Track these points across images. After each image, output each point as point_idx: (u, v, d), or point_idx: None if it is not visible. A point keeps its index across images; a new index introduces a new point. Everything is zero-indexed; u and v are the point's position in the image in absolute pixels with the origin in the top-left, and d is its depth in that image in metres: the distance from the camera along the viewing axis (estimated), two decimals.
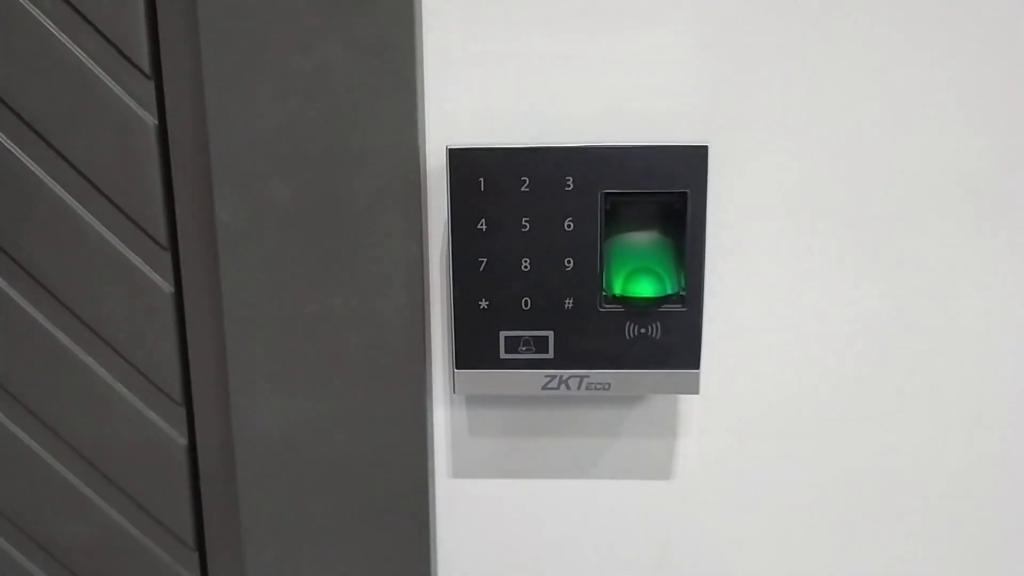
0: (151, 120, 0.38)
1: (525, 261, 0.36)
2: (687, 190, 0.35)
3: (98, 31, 0.37)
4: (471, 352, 0.37)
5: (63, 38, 0.37)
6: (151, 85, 0.38)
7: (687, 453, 0.41)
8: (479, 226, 0.36)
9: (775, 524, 0.42)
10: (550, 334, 0.37)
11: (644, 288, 0.36)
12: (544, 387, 0.37)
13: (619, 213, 0.36)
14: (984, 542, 0.42)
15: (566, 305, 0.36)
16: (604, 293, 0.36)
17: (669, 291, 0.36)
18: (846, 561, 0.42)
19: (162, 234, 0.39)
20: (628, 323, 0.36)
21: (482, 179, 0.35)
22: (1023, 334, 0.39)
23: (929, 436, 0.41)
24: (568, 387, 0.37)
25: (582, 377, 0.37)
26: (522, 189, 0.35)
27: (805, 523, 0.42)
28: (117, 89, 0.37)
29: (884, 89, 0.37)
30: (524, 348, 0.37)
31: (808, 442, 0.41)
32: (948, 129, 0.37)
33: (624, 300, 0.36)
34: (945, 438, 0.41)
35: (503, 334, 0.37)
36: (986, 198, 0.38)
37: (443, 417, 0.41)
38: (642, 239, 0.37)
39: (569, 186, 0.35)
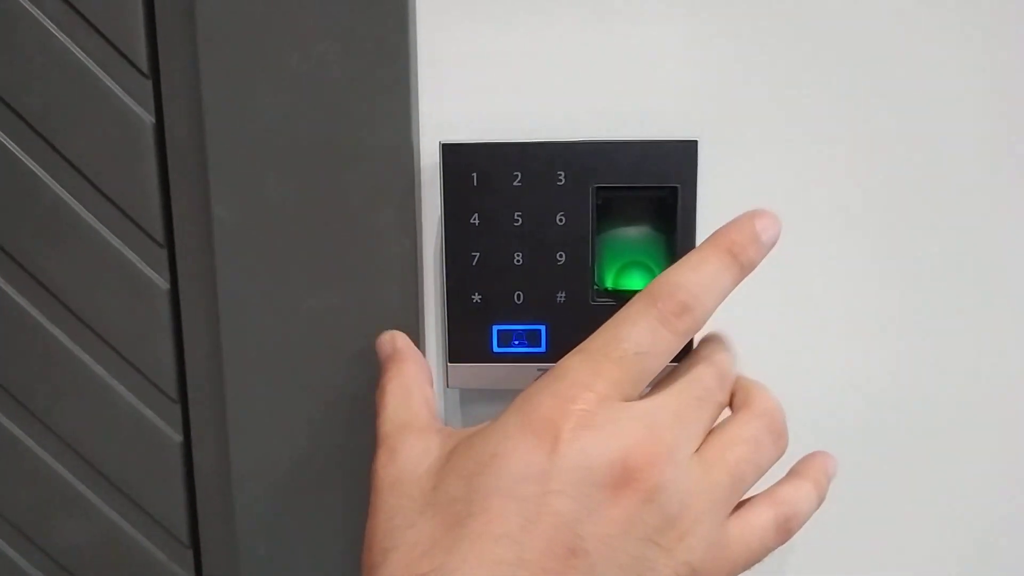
0: (148, 118, 0.38)
1: (518, 255, 0.36)
2: (678, 185, 0.36)
3: (96, 30, 0.37)
4: (464, 346, 0.37)
5: (62, 36, 0.37)
6: (149, 84, 0.38)
7: None
8: (472, 221, 0.36)
9: None
10: (543, 328, 0.37)
11: (636, 282, 0.37)
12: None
13: (611, 208, 0.37)
14: (1001, 543, 0.42)
15: (558, 299, 0.37)
16: (596, 287, 0.37)
17: None
18: (849, 560, 0.43)
19: (159, 231, 0.39)
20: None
21: (475, 174, 0.36)
22: None
23: (935, 435, 0.41)
24: None
25: None
26: (514, 184, 0.36)
27: None
28: (115, 87, 0.38)
29: (878, 85, 0.37)
30: (517, 342, 0.37)
31: (799, 440, 0.41)
32: (943, 124, 0.38)
33: (616, 293, 0.37)
34: (953, 437, 0.41)
35: (496, 328, 0.37)
36: (986, 194, 0.38)
37: (437, 411, 0.41)
38: (633, 233, 0.37)
39: (561, 181, 0.36)
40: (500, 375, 0.37)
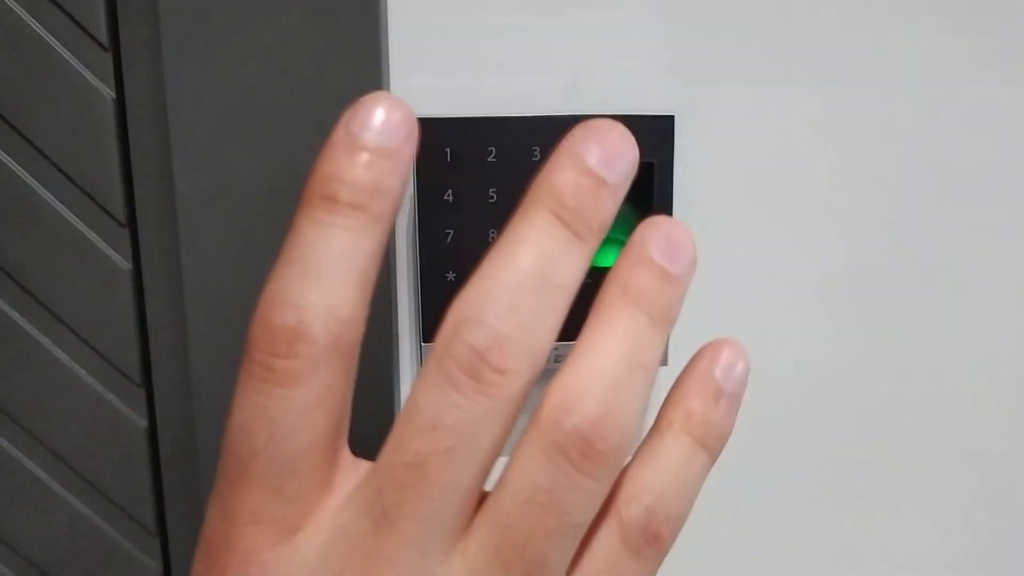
0: (108, 93, 0.37)
1: (492, 232, 0.36)
2: (654, 160, 0.35)
3: (54, 2, 0.36)
4: (438, 326, 0.36)
5: (16, 7, 0.36)
6: (108, 57, 0.37)
7: None
8: (445, 197, 0.36)
9: (745, 501, 0.42)
10: None
11: (612, 259, 0.36)
12: None
13: None
14: (969, 530, 0.43)
15: None
16: None
17: None
18: (822, 540, 0.43)
19: (120, 210, 0.38)
20: (596, 294, 0.36)
21: (448, 149, 0.35)
22: (995, 304, 0.40)
23: (906, 416, 0.41)
24: None
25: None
26: (489, 160, 0.35)
27: (771, 497, 0.42)
28: (73, 61, 0.37)
29: (854, 62, 0.37)
30: None
31: (776, 415, 0.41)
32: (924, 104, 0.38)
33: (592, 271, 0.36)
34: (923, 419, 0.41)
35: None
36: (962, 175, 0.38)
37: None
38: None
39: (536, 157, 0.35)
40: None
